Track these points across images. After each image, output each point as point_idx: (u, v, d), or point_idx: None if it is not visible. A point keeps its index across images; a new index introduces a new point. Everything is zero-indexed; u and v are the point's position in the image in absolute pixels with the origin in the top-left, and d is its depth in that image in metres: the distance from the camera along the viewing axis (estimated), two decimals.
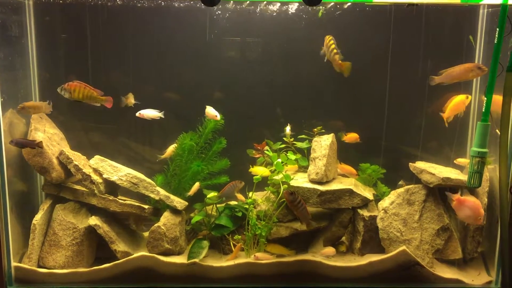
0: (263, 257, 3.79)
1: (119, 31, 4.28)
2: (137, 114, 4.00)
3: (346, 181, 4.11)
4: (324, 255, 3.87)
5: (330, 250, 3.88)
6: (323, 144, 4.06)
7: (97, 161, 3.99)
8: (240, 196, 4.06)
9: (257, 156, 4.25)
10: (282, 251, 3.89)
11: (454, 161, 4.16)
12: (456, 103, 3.93)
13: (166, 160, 4.28)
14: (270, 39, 4.35)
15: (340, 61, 3.64)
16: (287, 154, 4.16)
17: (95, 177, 3.87)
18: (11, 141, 3.70)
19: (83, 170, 3.85)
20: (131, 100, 4.03)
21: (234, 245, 3.96)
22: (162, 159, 4.26)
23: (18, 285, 3.74)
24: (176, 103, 4.41)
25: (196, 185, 4.06)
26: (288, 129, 4.23)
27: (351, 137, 4.25)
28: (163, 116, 4.04)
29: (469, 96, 3.92)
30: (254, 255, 3.80)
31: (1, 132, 3.61)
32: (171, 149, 4.22)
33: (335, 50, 3.64)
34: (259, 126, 4.42)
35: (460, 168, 4.17)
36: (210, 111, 4.01)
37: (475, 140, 3.51)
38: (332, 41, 3.67)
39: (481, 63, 4.09)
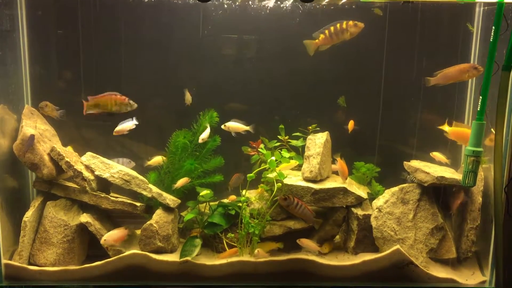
0: (263, 255, 3.77)
1: (111, 26, 4.23)
2: (114, 132, 3.94)
3: (340, 180, 4.09)
4: (304, 245, 3.84)
5: (313, 245, 3.85)
6: (317, 142, 4.03)
7: (89, 157, 3.95)
8: (232, 197, 4.03)
9: (252, 153, 4.22)
10: (271, 246, 3.88)
11: (430, 154, 4.15)
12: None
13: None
14: (265, 37, 4.31)
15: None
16: (281, 152, 4.13)
17: (86, 174, 3.83)
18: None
19: (75, 167, 3.81)
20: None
21: (228, 244, 3.94)
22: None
23: (9, 282, 3.70)
24: (170, 100, 4.38)
25: (184, 180, 4.03)
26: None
27: (351, 125, 4.20)
28: (137, 123, 3.96)
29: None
30: (258, 250, 3.76)
31: None
32: (159, 159, 4.19)
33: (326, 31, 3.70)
34: (255, 124, 4.38)
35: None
36: (204, 133, 4.04)
37: (470, 139, 3.49)
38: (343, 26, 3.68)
39: (476, 62, 4.07)
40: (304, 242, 3.84)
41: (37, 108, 4.02)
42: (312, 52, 3.79)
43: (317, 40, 3.75)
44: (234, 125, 4.05)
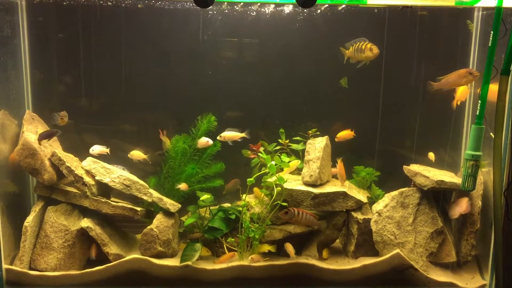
0: (259, 259, 3.78)
1: (111, 32, 4.25)
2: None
3: (340, 184, 4.09)
4: (288, 250, 3.87)
5: (291, 250, 3.87)
6: (317, 146, 4.04)
7: (90, 163, 3.96)
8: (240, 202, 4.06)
9: (252, 156, 4.23)
10: (265, 248, 3.89)
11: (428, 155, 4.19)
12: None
13: (159, 162, 4.26)
14: (265, 41, 4.33)
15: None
16: (281, 157, 4.14)
17: (87, 179, 3.84)
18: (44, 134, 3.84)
19: (76, 172, 3.83)
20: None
21: (228, 248, 3.94)
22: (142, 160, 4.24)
23: (9, 287, 3.70)
24: (169, 104, 4.40)
25: (185, 185, 4.07)
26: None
27: (344, 135, 4.20)
28: (109, 153, 4.08)
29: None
30: (251, 257, 3.78)
31: None
32: (139, 153, 4.21)
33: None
34: (254, 127, 4.39)
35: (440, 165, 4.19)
36: (203, 140, 4.09)
37: (469, 143, 3.50)
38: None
39: (475, 66, 4.08)
40: (288, 246, 3.87)
41: (55, 117, 4.02)
42: (344, 60, 3.89)
43: (348, 51, 3.85)
44: (230, 134, 4.06)
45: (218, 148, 4.22)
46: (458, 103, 4.03)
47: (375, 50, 3.70)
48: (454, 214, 3.89)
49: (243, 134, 4.06)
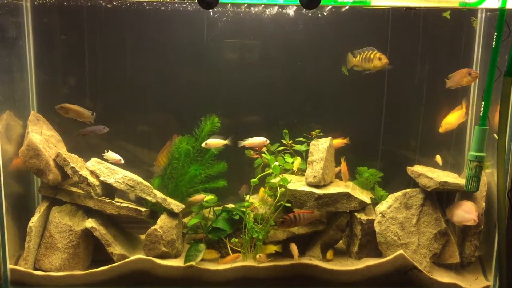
0: (265, 259, 3.79)
1: (116, 33, 4.27)
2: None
3: (344, 185, 4.10)
4: (292, 250, 3.88)
5: (295, 251, 3.87)
6: (320, 147, 4.05)
7: (94, 163, 3.97)
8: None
9: (255, 157, 4.24)
10: (270, 249, 3.90)
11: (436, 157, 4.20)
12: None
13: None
14: (268, 41, 4.34)
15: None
16: (285, 157, 4.15)
17: (91, 179, 3.86)
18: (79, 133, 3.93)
19: (80, 173, 3.84)
20: None
21: (232, 248, 3.95)
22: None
23: (14, 287, 3.72)
24: (173, 105, 4.41)
25: (200, 196, 4.09)
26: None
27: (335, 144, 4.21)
28: (123, 162, 4.06)
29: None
30: (259, 255, 3.79)
31: None
32: None
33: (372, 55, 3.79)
34: (257, 128, 4.40)
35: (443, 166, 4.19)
36: (260, 139, 4.12)
37: (473, 144, 3.51)
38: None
39: (479, 67, 4.09)
40: (292, 246, 3.88)
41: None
42: (349, 66, 3.92)
43: (354, 59, 3.87)
44: (214, 142, 4.06)
45: (221, 149, 4.23)
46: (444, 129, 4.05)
47: (384, 60, 3.72)
48: (465, 221, 3.81)
49: (226, 141, 4.08)
